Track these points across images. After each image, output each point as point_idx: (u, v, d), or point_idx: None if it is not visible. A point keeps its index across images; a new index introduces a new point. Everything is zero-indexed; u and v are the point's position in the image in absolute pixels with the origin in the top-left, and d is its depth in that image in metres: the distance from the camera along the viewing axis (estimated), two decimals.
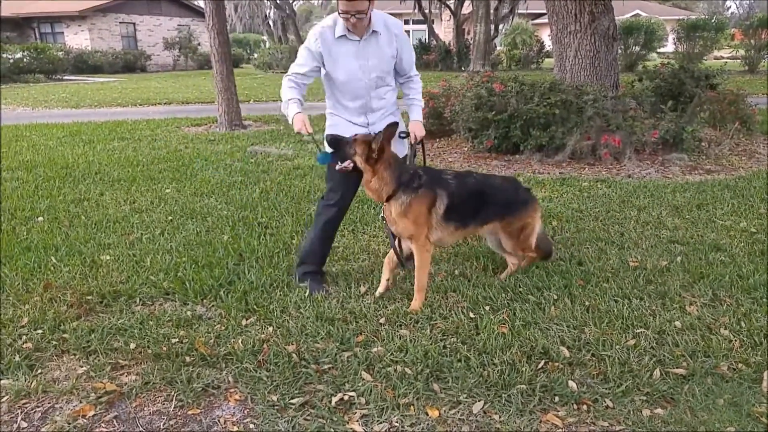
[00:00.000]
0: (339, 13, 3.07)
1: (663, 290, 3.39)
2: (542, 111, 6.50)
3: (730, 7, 63.08)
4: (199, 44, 32.72)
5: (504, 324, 2.99)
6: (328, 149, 3.27)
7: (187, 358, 2.73)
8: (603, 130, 6.52)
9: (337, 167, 3.18)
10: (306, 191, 5.70)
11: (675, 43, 24.61)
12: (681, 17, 28.79)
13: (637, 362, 2.66)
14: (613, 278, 3.55)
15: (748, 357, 2.70)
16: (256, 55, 32.13)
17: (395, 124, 3.20)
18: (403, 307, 3.21)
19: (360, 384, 2.52)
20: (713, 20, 25.46)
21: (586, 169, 6.47)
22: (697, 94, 7.69)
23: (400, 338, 2.87)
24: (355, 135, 3.18)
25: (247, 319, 3.12)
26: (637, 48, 24.05)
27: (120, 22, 31.66)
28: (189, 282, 3.52)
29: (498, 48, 29.26)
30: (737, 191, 5.44)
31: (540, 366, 2.64)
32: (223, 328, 3.03)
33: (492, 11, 26.28)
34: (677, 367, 2.62)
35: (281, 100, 3.31)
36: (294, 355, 2.73)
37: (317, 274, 3.55)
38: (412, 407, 2.39)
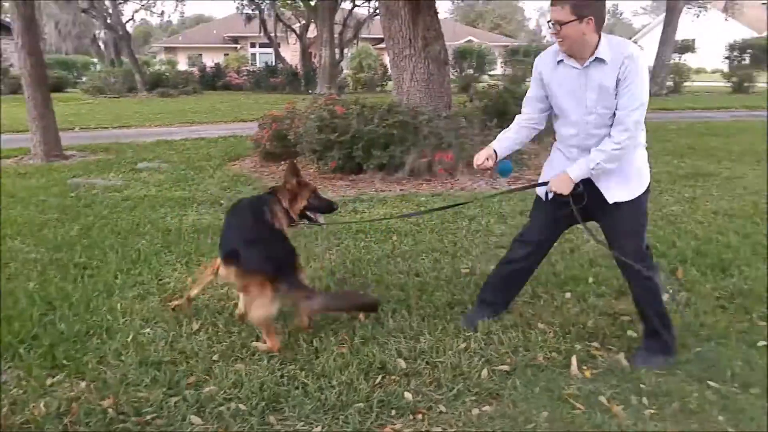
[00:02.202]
0: None
1: None
2: (382, 132, 6.80)
3: (545, 36, 71.01)
4: (11, 65, 29.27)
5: (343, 344, 3.03)
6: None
7: None
8: (437, 148, 6.97)
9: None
10: (135, 224, 5.29)
11: (502, 67, 27.12)
12: (507, 44, 31.87)
13: (468, 364, 2.84)
14: (446, 286, 3.78)
15: (560, 345, 3.02)
16: (84, 79, 29.68)
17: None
18: (239, 340, 3.09)
19: (188, 430, 2.38)
20: (533, 47, 28.54)
21: (424, 185, 6.87)
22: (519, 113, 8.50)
23: (235, 373, 2.75)
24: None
25: (53, 378, 2.74)
26: (471, 71, 26.10)
27: None
28: None
29: (344, 71, 30.05)
30: None
31: (377, 381, 2.71)
32: (21, 392, 2.63)
33: (337, 35, 26.99)
34: (502, 364, 2.86)
35: None
36: (110, 410, 2.46)
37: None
38: None
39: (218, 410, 2.49)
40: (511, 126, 3.07)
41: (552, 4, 2.59)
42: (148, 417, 2.46)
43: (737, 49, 24.75)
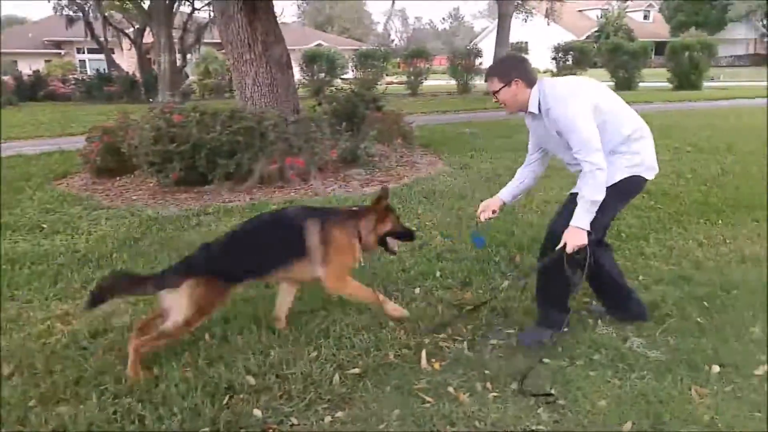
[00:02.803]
0: None
1: (344, 298, 3.65)
2: (226, 139, 6.52)
3: (393, 40, 73.72)
4: None
5: (187, 367, 2.84)
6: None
7: None
8: (287, 154, 6.86)
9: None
10: None
11: (353, 71, 27.55)
12: (356, 48, 32.44)
13: (319, 372, 2.80)
14: (299, 295, 3.70)
15: (410, 341, 3.09)
16: None
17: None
18: (63, 379, 2.75)
19: None
20: (381, 51, 29.35)
21: (277, 192, 6.72)
22: (367, 115, 8.68)
23: (56, 418, 2.46)
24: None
25: None
26: (322, 74, 26.17)
27: None
28: None
29: (190, 77, 28.66)
30: (402, 197, 6.29)
31: (225, 402, 2.57)
32: None
33: (178, 40, 25.65)
34: (354, 368, 2.85)
35: None
36: None
37: None
38: None
39: None
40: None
41: (485, 80, 3.06)
42: None
43: (561, 50, 27.43)
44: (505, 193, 3.35)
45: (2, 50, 34.56)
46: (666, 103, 18.67)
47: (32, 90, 26.28)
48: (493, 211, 3.31)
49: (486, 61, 26.64)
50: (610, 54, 26.42)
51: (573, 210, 2.87)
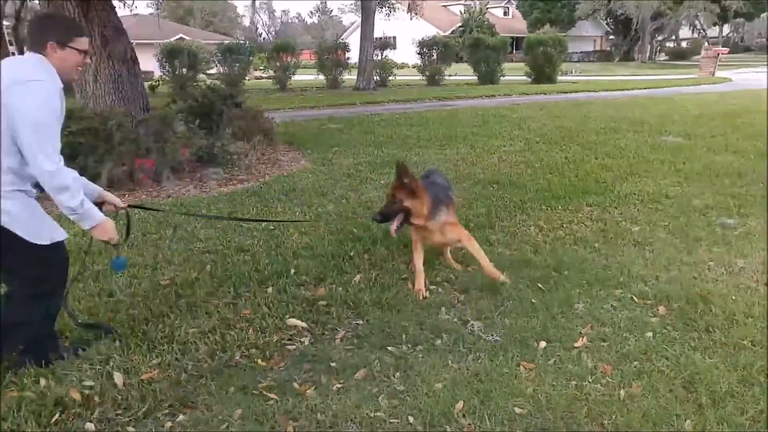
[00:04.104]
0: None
1: (192, 301, 3.61)
2: (66, 141, 6.03)
3: (261, 33, 72.08)
4: None
5: (11, 387, 2.66)
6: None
7: None
8: (136, 154, 6.53)
9: (395, 232, 3.64)
10: None
11: (217, 65, 26.57)
12: (221, 42, 31.30)
13: (161, 378, 2.76)
14: (143, 301, 3.59)
15: (258, 341, 3.13)
16: None
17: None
18: None
19: None
20: (246, 45, 28.60)
21: (127, 195, 6.35)
22: (225, 112, 8.47)
23: None
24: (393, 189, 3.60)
25: None
26: (185, 70, 24.97)
27: None
28: None
29: None
30: (261, 195, 6.26)
31: (54, 419, 2.46)
32: None
33: (11, 30, 23.20)
34: (198, 371, 2.84)
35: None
36: None
37: None
38: None
39: None
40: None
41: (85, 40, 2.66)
42: None
43: (425, 45, 28.35)
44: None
45: None
46: (523, 96, 20.02)
47: None
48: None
49: (354, 55, 27.03)
50: (473, 48, 27.66)
51: None
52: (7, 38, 21.43)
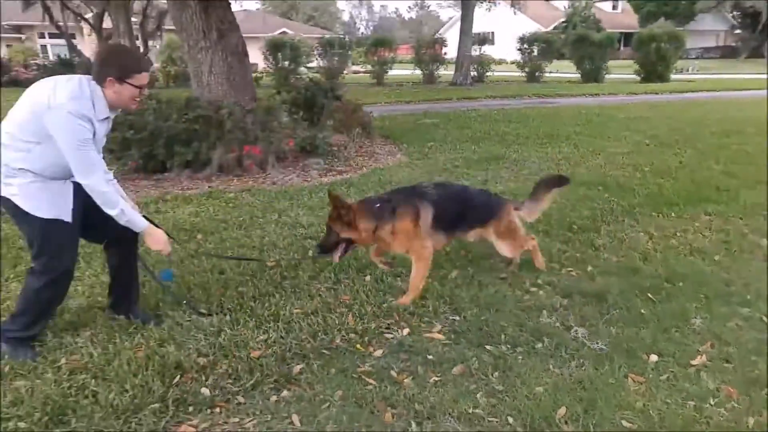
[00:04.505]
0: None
1: (295, 283, 3.77)
2: (183, 127, 6.51)
3: (359, 28, 73.30)
4: None
5: (140, 347, 2.92)
6: None
7: None
8: (245, 142, 6.87)
9: (339, 259, 3.56)
10: None
11: (317, 59, 27.37)
12: (321, 36, 32.20)
13: (267, 354, 2.89)
14: (251, 280, 3.78)
15: (357, 326, 3.20)
16: None
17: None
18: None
19: None
20: (346, 39, 29.24)
21: (235, 180, 6.73)
22: (326, 105, 8.74)
23: (14, 392, 2.55)
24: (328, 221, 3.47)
25: None
26: (287, 63, 25.92)
27: None
28: None
29: (153, 65, 28.00)
30: (358, 186, 6.39)
31: (174, 380, 2.65)
32: None
33: (138, 26, 25.02)
34: (301, 350, 2.95)
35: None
36: None
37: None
38: None
39: None
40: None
41: (144, 75, 2.83)
42: None
43: (526, 41, 27.62)
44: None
45: None
46: (631, 96, 19.04)
47: None
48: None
49: (451, 51, 26.87)
50: (576, 45, 26.63)
51: None
52: (134, 33, 23.12)
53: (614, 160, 7.83)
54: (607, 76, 26.35)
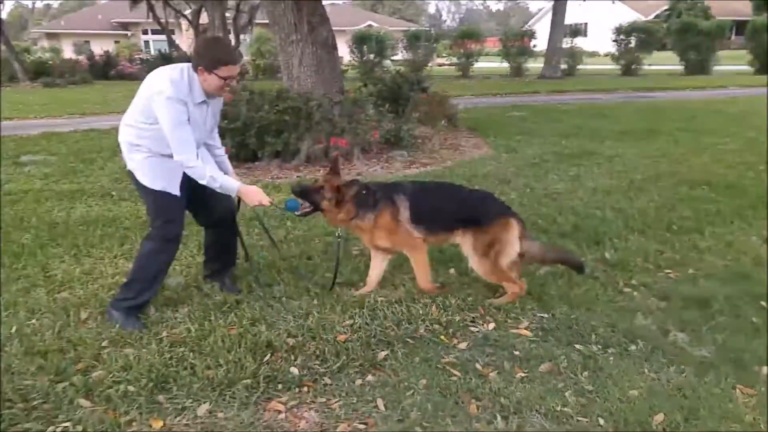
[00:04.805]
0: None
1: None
2: (274, 118, 6.73)
3: (446, 20, 72.73)
4: None
5: (233, 325, 3.06)
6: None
7: None
8: (332, 134, 7.00)
9: (299, 213, 3.44)
10: (19, 218, 5.03)
11: (403, 52, 27.43)
12: (406, 28, 32.23)
13: (352, 338, 2.95)
14: (341, 268, 3.83)
15: (441, 318, 3.18)
16: None
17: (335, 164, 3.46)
18: None
19: (77, 413, 2.38)
20: (432, 32, 29.08)
21: (321, 170, 6.86)
22: (412, 97, 8.73)
23: (123, 358, 2.75)
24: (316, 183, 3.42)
25: None
26: (372, 56, 26.19)
27: None
28: None
29: (244, 58, 29.18)
30: (443, 179, 6.31)
31: (265, 359, 2.76)
32: None
33: (231, 20, 26.11)
34: (386, 337, 2.97)
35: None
36: None
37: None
38: (134, 423, 2.35)
39: (107, 393, 2.50)
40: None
41: (234, 66, 3.01)
42: (35, 402, 2.44)
43: (623, 32, 26.15)
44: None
45: (74, 31, 36.29)
46: (742, 88, 17.69)
47: (104, 69, 27.97)
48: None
49: (540, 43, 26.06)
50: (680, 34, 24.93)
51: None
52: (227, 28, 24.23)
53: (722, 158, 7.31)
54: (715, 67, 24.47)
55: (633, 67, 25.57)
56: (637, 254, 4.11)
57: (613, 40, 26.22)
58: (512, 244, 3.33)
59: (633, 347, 2.91)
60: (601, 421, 2.36)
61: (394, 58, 27.57)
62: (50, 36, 41.28)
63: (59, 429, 2.29)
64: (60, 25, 42.70)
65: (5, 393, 2.48)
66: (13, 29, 40.89)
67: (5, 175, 6.87)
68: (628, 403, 2.45)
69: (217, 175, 3.08)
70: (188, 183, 3.13)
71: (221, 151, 3.45)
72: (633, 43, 25.77)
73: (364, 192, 3.37)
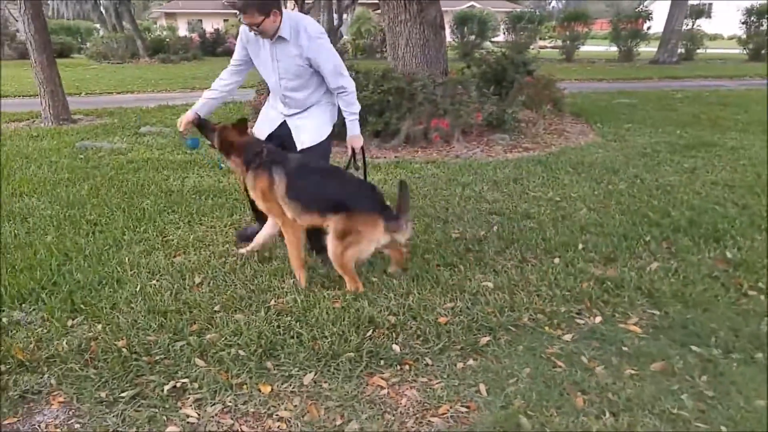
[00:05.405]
0: None
1: (480, 256, 3.75)
2: (377, 98, 6.76)
3: (551, 2, 69.70)
4: (17, 31, 29.08)
5: (337, 299, 3.13)
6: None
7: (2, 367, 2.53)
8: (433, 115, 6.95)
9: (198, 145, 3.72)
10: (140, 185, 5.44)
11: (504, 33, 26.71)
12: (510, 9, 31.33)
13: (454, 321, 2.92)
14: (437, 249, 3.84)
15: (545, 307, 3.09)
16: (88, 45, 29.36)
17: (244, 120, 3.47)
18: (239, 292, 3.25)
19: (193, 370, 2.53)
20: (536, 13, 28.08)
21: (420, 152, 6.86)
22: (517, 80, 8.47)
23: (234, 323, 2.90)
24: (217, 125, 3.54)
25: (73, 320, 2.97)
26: (473, 37, 25.70)
27: None
28: (4, 287, 3.24)
29: (344, 37, 29.63)
30: (547, 165, 6.12)
31: (367, 334, 2.80)
32: (45, 331, 2.86)
33: (335, 1, 26.53)
34: (488, 323, 2.93)
35: None
36: (124, 349, 2.66)
37: None
38: (245, 386, 2.45)
39: (219, 355, 2.64)
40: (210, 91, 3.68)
41: (243, 15, 3.18)
42: (157, 357, 2.63)
43: (755, 13, 23.82)
44: (203, 109, 3.62)
45: (189, 11, 38.42)
46: None
47: (213, 46, 29.61)
48: (190, 122, 3.55)
49: (655, 25, 24.42)
50: None
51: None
52: (332, 7, 24.65)
53: None
54: None
55: (762, 51, 23.29)
56: (764, 255, 3.77)
57: (742, 22, 23.98)
58: (368, 243, 3.18)
59: (760, 354, 2.67)
60: (724, 429, 2.19)
61: (495, 39, 26.91)
62: (168, 15, 44.06)
63: (179, 384, 2.45)
64: (177, 6, 45.41)
65: (132, 346, 2.69)
66: (137, 9, 43.96)
67: (127, 144, 7.43)
68: (755, 414, 2.26)
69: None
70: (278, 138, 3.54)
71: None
72: (765, 26, 23.42)
73: (256, 151, 3.34)
